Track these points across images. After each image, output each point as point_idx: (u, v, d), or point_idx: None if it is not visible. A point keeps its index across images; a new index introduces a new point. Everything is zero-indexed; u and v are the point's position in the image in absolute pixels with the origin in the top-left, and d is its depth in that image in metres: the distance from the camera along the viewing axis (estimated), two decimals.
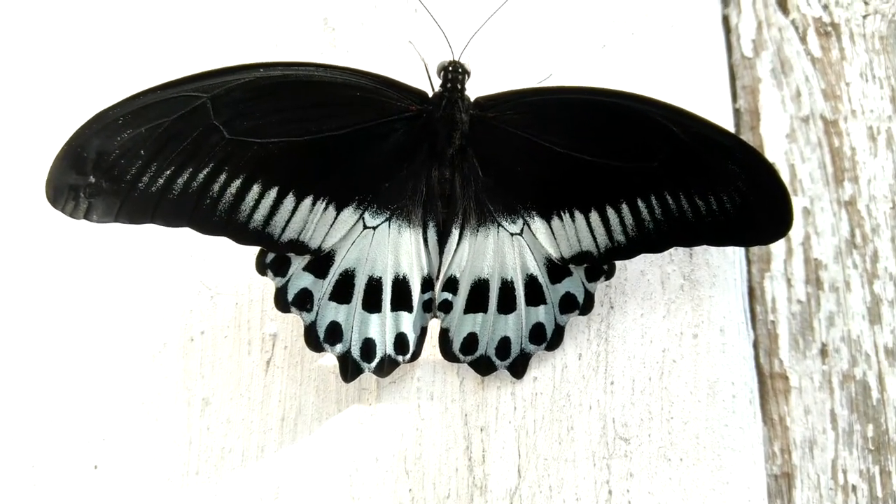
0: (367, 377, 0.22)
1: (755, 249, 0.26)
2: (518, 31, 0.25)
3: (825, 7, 0.29)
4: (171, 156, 0.19)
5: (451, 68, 0.21)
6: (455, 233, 0.21)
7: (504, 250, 0.22)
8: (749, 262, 0.26)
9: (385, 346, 0.21)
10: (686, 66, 0.26)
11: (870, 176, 0.28)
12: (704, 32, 0.27)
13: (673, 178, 0.21)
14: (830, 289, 0.27)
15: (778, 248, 0.27)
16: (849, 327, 0.27)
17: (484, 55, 0.23)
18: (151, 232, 0.19)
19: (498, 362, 0.22)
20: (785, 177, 0.27)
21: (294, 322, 0.21)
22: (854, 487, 0.26)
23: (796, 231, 0.27)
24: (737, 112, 0.28)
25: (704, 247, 0.23)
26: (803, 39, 0.29)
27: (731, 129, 0.27)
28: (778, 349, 0.26)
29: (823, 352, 0.27)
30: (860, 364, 0.27)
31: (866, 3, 0.29)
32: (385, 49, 0.24)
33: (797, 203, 0.27)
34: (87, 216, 0.19)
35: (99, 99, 0.19)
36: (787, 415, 0.26)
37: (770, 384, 0.26)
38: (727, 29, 0.28)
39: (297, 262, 0.21)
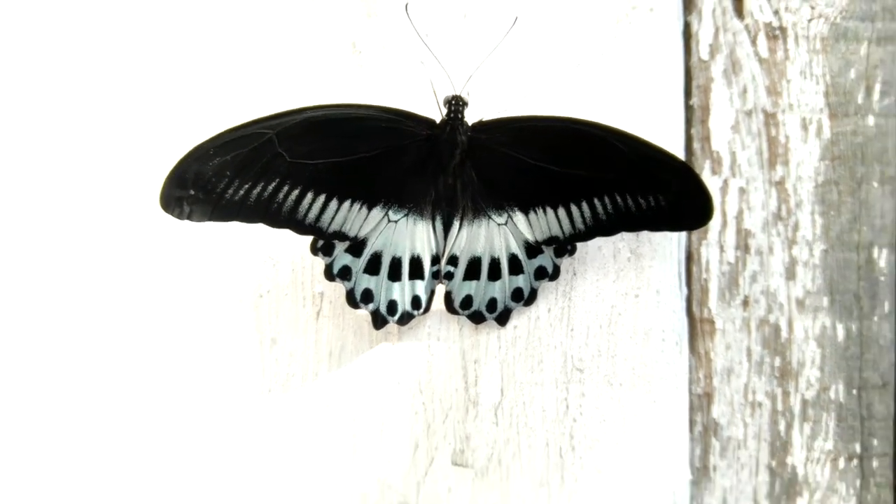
0: (392, 325, 0.30)
1: None
2: (505, 60, 0.30)
3: (776, 12, 0.34)
4: (249, 175, 0.26)
5: (453, 101, 0.27)
6: (456, 224, 0.29)
7: (493, 236, 0.29)
8: (689, 232, 0.33)
9: (404, 304, 0.29)
10: (648, 71, 0.32)
11: (799, 160, 0.34)
12: (666, 41, 0.33)
13: (621, 184, 0.28)
14: (756, 253, 0.34)
15: (715, 221, 0.33)
16: (768, 283, 0.34)
17: (478, 85, 0.29)
18: (235, 225, 0.27)
19: (487, 315, 0.30)
20: (727, 162, 0.34)
21: (337, 286, 0.29)
22: (760, 404, 0.34)
23: (731, 206, 0.34)
24: (689, 108, 0.34)
25: None
26: (754, 42, 0.34)
27: (683, 123, 0.33)
28: (708, 300, 0.34)
29: (745, 302, 0.34)
30: (774, 311, 0.34)
31: (812, 8, 0.34)
32: (404, 69, 0.31)
33: (735, 183, 0.34)
34: (188, 218, 0.26)
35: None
36: (711, 350, 0.34)
37: (699, 327, 0.34)
38: (687, 35, 0.34)
39: (340, 247, 0.28)
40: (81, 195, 0.31)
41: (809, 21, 0.34)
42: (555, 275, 0.30)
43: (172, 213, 0.26)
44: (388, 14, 0.31)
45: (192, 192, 0.26)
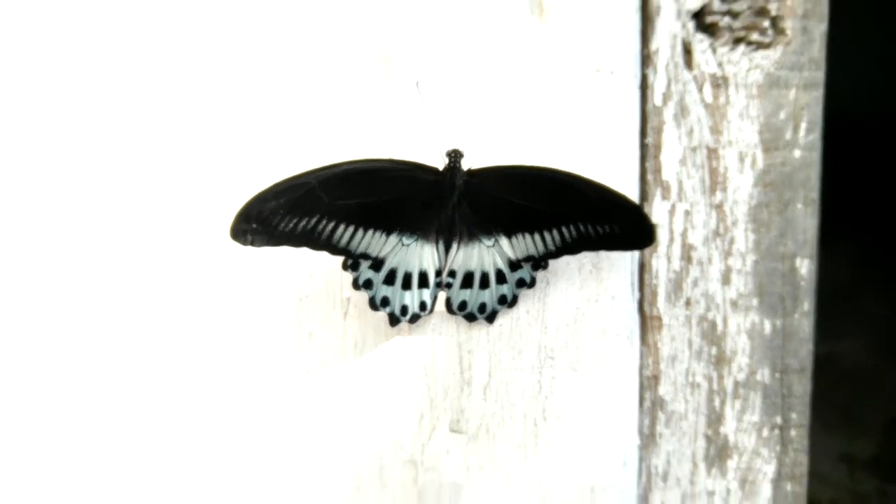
0: (404, 324, 0.38)
1: None
2: (492, 115, 0.38)
3: (720, 65, 0.41)
4: (297, 213, 0.34)
5: (452, 154, 0.35)
6: (454, 246, 0.37)
7: (483, 255, 0.37)
8: None
9: (413, 308, 0.37)
10: (610, 118, 0.40)
11: (735, 186, 0.42)
12: (625, 94, 0.40)
13: (584, 217, 0.35)
14: (697, 263, 0.42)
15: (664, 237, 0.41)
16: (707, 287, 0.42)
17: (471, 136, 0.37)
18: (284, 248, 0.35)
19: (479, 315, 0.38)
20: (675, 189, 0.41)
21: (361, 294, 0.37)
22: (699, 385, 0.42)
23: (678, 225, 0.42)
24: (644, 145, 0.41)
25: None
26: (700, 90, 0.41)
27: (639, 158, 0.41)
28: (657, 301, 0.42)
29: (688, 302, 0.42)
30: (712, 310, 0.42)
31: (751, 61, 0.42)
32: (415, 123, 0.38)
33: (681, 207, 0.42)
34: (251, 245, 0.34)
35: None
36: (658, 341, 0.42)
37: (649, 323, 0.42)
38: (644, 85, 0.41)
39: (364, 264, 0.36)
40: (169, 213, 0.39)
41: (748, 71, 0.41)
42: (532, 284, 0.38)
43: (239, 242, 0.34)
44: (402, 76, 0.38)
45: (254, 226, 0.34)
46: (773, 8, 0.41)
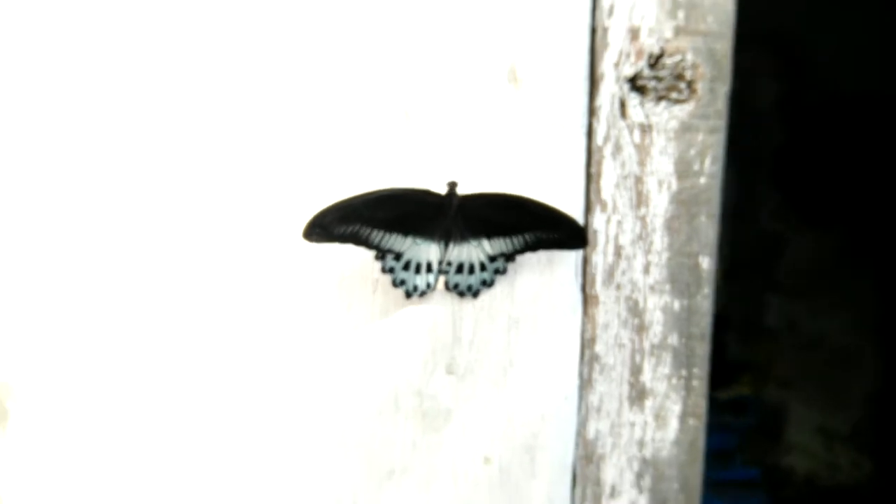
0: (415, 297, 0.55)
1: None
2: (478, 155, 0.54)
3: (646, 116, 0.57)
4: (346, 222, 0.50)
5: (451, 184, 0.52)
6: (452, 245, 0.53)
7: (471, 252, 0.54)
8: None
9: (422, 286, 0.54)
10: (563, 156, 0.56)
11: (655, 204, 0.58)
12: (575, 139, 0.56)
13: (539, 228, 0.52)
14: (625, 258, 0.58)
15: (602, 239, 0.58)
16: (632, 276, 0.59)
17: (463, 170, 0.53)
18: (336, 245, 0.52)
19: (467, 293, 0.55)
20: (611, 205, 0.57)
21: (387, 277, 0.54)
22: (624, 345, 0.59)
23: (612, 231, 0.58)
24: (589, 174, 0.57)
25: None
26: (631, 134, 0.57)
27: (585, 183, 0.57)
28: (595, 285, 0.58)
29: (618, 286, 0.59)
30: (635, 292, 0.59)
31: (670, 112, 0.58)
32: (433, 130, 0.54)
33: (615, 218, 0.58)
34: (315, 241, 0.51)
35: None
36: (596, 313, 0.59)
37: (590, 300, 0.58)
38: (590, 130, 0.57)
39: (389, 256, 0.53)
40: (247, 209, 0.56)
41: (667, 120, 0.57)
42: (504, 272, 0.55)
43: (308, 240, 0.50)
44: (417, 126, 0.55)
45: (317, 230, 0.50)
46: (688, 74, 0.57)
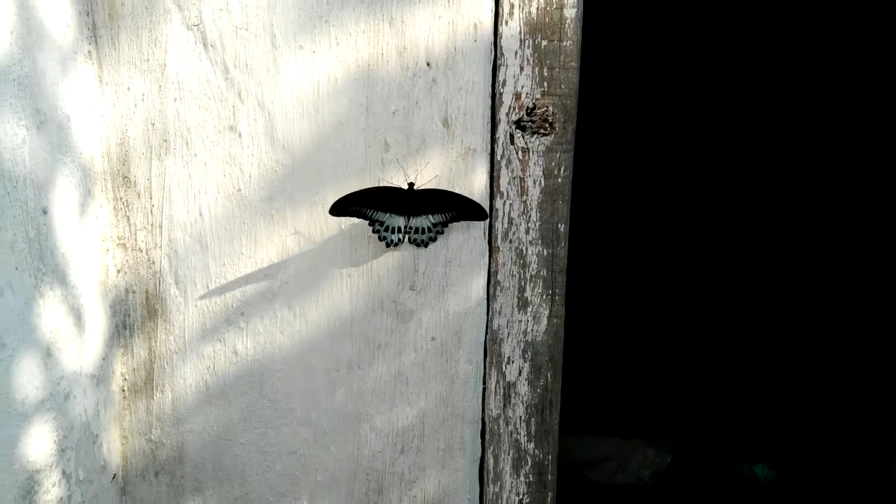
0: (392, 247, 0.98)
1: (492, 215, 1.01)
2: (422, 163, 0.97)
3: (526, 142, 0.99)
4: (352, 205, 0.93)
5: (409, 184, 0.95)
6: (412, 217, 0.96)
7: (422, 221, 0.96)
8: (488, 219, 1.01)
9: (395, 240, 0.97)
10: (475, 167, 0.99)
11: (531, 194, 1.00)
12: (480, 161, 0.99)
13: (459, 208, 0.95)
14: (514, 225, 1.01)
15: (500, 215, 1.01)
16: (519, 235, 1.02)
17: (419, 176, 0.96)
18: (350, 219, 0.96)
19: (421, 245, 0.97)
20: (506, 194, 1.00)
21: (374, 235, 0.98)
22: (514, 275, 1.02)
23: (506, 209, 1.00)
24: (492, 177, 1.00)
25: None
26: (517, 153, 0.99)
27: (488, 183, 1.00)
28: (496, 241, 1.01)
29: (510, 241, 1.02)
30: (521, 245, 1.02)
31: (539, 140, 1.00)
32: (400, 153, 0.98)
33: (507, 202, 1.00)
34: (336, 215, 0.95)
35: None
36: (497, 257, 1.02)
37: (493, 249, 1.01)
38: (492, 151, 0.99)
39: (377, 223, 0.95)
40: None
41: (538, 145, 0.99)
42: (442, 233, 0.96)
43: (331, 214, 0.94)
44: (394, 154, 0.97)
45: (335, 208, 0.94)
46: (550, 119, 0.99)
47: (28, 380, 0.79)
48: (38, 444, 0.82)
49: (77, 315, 0.89)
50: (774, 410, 2.35)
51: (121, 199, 0.96)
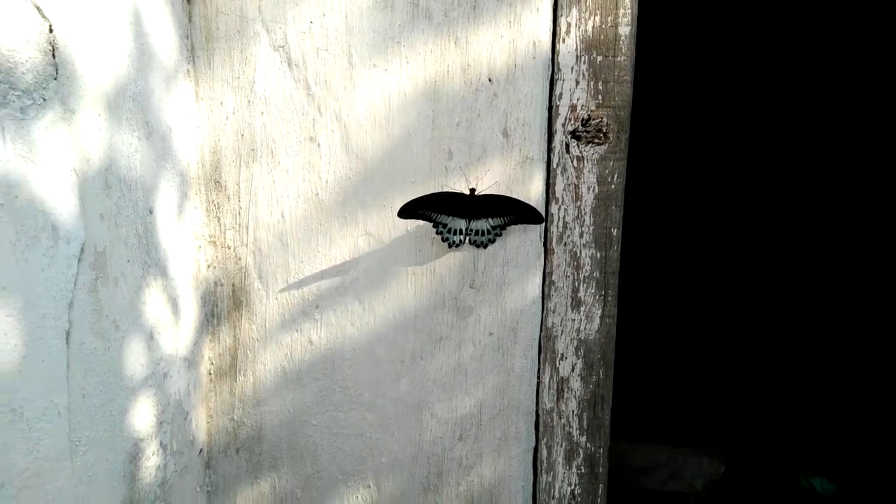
0: (454, 248, 1.07)
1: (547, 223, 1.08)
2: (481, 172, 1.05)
3: (581, 151, 1.06)
4: (419, 208, 1.01)
5: (472, 189, 1.03)
6: (472, 220, 1.04)
7: (482, 224, 1.04)
8: (545, 223, 1.08)
9: (457, 242, 1.05)
10: (534, 174, 1.06)
11: (585, 199, 1.07)
12: (538, 170, 1.06)
13: (516, 212, 1.02)
14: (569, 228, 1.08)
15: (555, 220, 1.08)
16: (573, 238, 1.08)
17: (479, 182, 1.04)
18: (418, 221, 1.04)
19: (481, 246, 1.05)
20: (560, 200, 1.07)
21: (438, 236, 1.06)
22: (568, 276, 1.09)
23: (561, 214, 1.07)
24: (548, 184, 1.07)
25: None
26: (572, 161, 1.06)
27: (544, 189, 1.07)
28: (552, 243, 1.08)
29: (565, 244, 1.08)
30: (575, 248, 1.08)
31: (593, 150, 1.06)
32: (464, 161, 1.06)
33: (563, 208, 1.07)
34: (403, 219, 1.03)
35: None
36: (552, 259, 1.09)
37: (548, 251, 1.08)
38: (549, 160, 1.07)
39: (440, 226, 1.04)
40: None
41: (592, 154, 1.06)
42: (500, 235, 1.04)
43: (399, 217, 1.02)
44: (456, 161, 1.06)
45: (403, 212, 1.02)
46: (604, 129, 1.05)
47: (136, 358, 0.91)
48: (143, 415, 0.93)
49: (174, 304, 1.01)
50: (834, 422, 2.32)
51: (212, 201, 1.07)
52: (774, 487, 2.15)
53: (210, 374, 1.11)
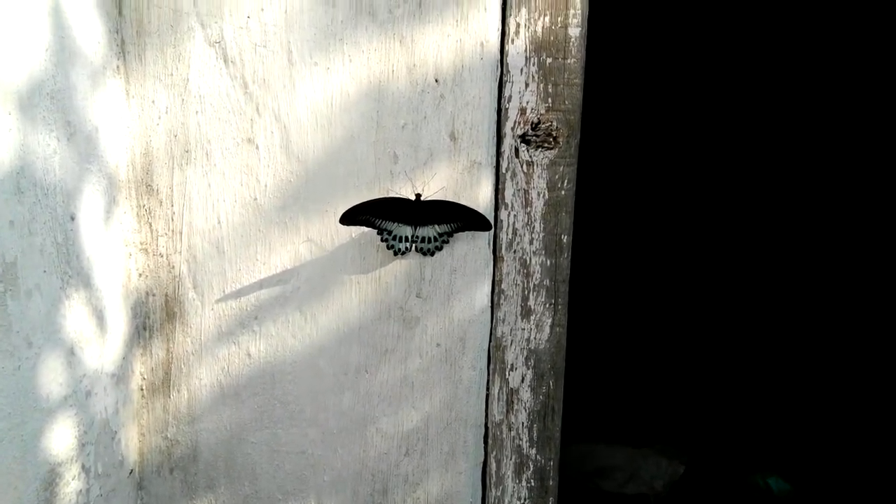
0: (400, 255, 1.02)
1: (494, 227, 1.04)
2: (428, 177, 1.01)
3: (530, 156, 1.03)
4: (362, 214, 0.97)
5: (417, 194, 0.98)
6: (418, 227, 1.00)
7: (428, 230, 1.00)
8: (492, 230, 1.04)
9: (403, 249, 1.01)
10: (482, 179, 1.02)
11: (535, 206, 1.03)
12: (489, 168, 1.02)
13: (464, 218, 0.98)
14: (518, 235, 1.04)
15: (505, 226, 1.04)
16: (523, 245, 1.05)
17: (425, 187, 1.00)
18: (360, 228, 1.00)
19: (427, 254, 1.01)
20: (510, 206, 1.03)
21: (383, 244, 1.02)
22: (518, 284, 1.05)
23: (510, 221, 1.04)
24: (497, 189, 1.03)
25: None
26: (522, 166, 1.03)
27: (493, 194, 1.03)
28: (501, 250, 1.05)
29: (514, 251, 1.05)
30: (525, 254, 1.05)
31: (543, 154, 1.03)
32: (409, 165, 1.02)
33: (511, 213, 1.04)
34: (345, 225, 0.99)
35: None
36: (501, 266, 1.05)
37: (497, 258, 1.04)
38: (498, 164, 1.03)
39: (385, 232, 0.99)
40: None
41: (542, 158, 1.03)
42: (447, 242, 1.00)
43: (342, 223, 0.97)
44: (402, 166, 1.01)
45: (345, 218, 0.98)
46: (554, 133, 1.02)
47: (52, 377, 0.84)
48: (61, 438, 0.86)
49: (100, 316, 0.94)
50: (789, 422, 2.34)
51: (144, 206, 1.01)
52: (733, 487, 2.16)
53: (142, 390, 1.05)
